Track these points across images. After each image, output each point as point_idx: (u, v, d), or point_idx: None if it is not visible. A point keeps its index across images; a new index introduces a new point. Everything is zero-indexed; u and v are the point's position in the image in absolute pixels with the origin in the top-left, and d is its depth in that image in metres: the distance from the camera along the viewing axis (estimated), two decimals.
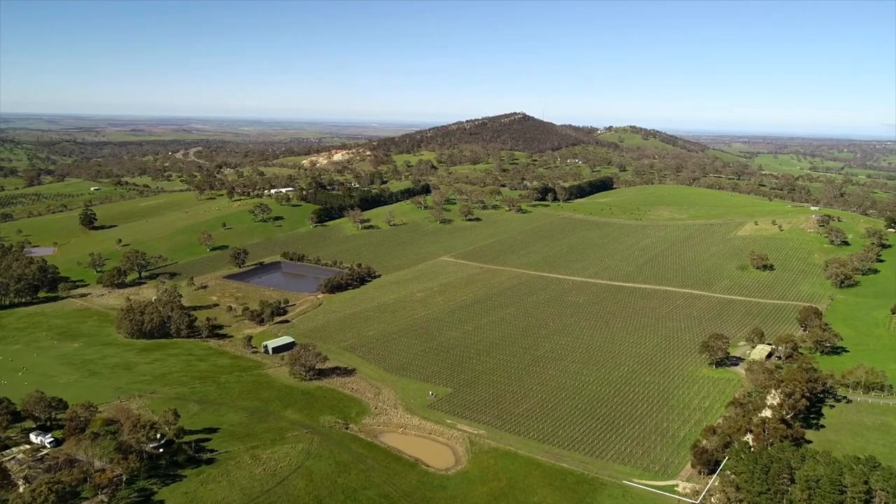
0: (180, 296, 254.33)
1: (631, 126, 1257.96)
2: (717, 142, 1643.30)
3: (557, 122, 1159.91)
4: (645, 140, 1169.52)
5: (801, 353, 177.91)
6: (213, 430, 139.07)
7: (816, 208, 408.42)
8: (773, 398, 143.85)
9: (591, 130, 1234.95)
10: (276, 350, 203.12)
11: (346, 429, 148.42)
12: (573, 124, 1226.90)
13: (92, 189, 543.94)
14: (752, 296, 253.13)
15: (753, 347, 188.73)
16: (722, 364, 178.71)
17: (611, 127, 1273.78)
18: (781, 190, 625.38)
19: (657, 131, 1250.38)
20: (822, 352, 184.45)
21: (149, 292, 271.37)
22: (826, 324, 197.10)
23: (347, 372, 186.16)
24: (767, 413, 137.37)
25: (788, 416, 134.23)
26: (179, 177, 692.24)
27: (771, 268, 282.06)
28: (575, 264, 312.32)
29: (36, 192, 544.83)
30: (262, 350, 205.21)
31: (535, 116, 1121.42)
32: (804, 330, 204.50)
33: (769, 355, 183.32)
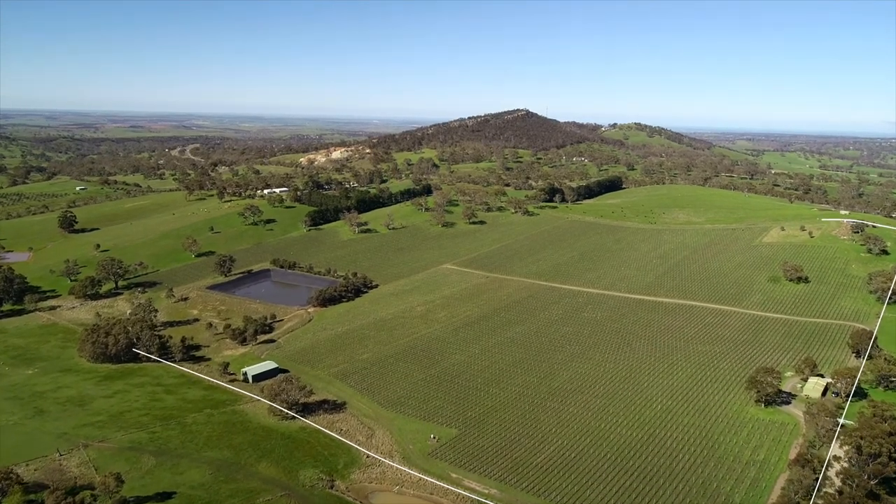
0: (155, 311, 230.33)
1: (636, 123, 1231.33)
2: (721, 139, 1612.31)
3: (561, 119, 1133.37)
4: (650, 137, 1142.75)
5: (864, 389, 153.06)
6: (166, 496, 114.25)
7: (846, 212, 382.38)
8: (847, 454, 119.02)
9: (596, 127, 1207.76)
10: (257, 378, 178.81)
11: (332, 487, 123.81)
12: (577, 121, 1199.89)
13: (77, 189, 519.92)
14: (789, 313, 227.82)
15: (805, 381, 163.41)
16: (771, 402, 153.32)
17: (615, 124, 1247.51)
18: (797, 190, 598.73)
19: (662, 128, 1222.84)
20: (885, 387, 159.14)
21: (124, 305, 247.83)
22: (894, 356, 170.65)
23: (336, 407, 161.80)
24: (840, 478, 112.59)
25: (873, 484, 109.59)
26: (173, 175, 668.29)
27: (806, 280, 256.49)
28: (589, 273, 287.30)
29: (18, 191, 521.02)
30: (241, 378, 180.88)
31: (539, 113, 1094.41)
32: (857, 356, 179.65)
33: (824, 391, 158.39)
